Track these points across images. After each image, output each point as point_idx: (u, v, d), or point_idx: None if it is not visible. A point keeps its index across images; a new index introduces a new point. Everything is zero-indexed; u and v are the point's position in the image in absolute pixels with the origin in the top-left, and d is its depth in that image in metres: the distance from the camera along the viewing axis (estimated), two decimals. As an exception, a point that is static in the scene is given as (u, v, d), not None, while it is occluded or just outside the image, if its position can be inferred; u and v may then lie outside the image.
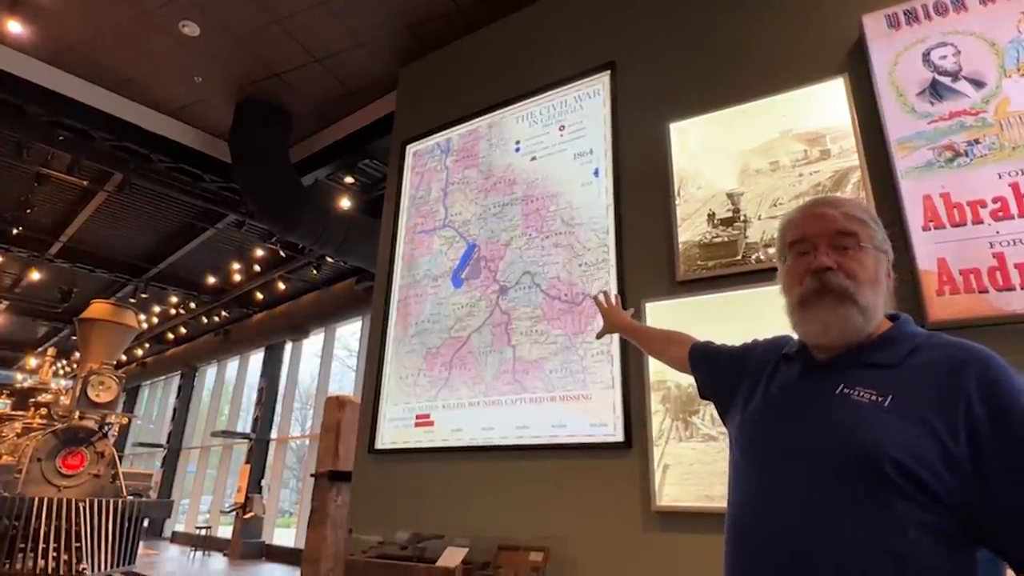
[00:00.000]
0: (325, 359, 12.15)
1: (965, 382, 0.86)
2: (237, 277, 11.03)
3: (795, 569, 0.87)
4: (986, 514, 0.81)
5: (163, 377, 18.57)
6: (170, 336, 15.47)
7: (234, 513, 11.66)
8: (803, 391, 1.02)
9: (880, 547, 0.82)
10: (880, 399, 0.90)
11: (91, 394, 6.42)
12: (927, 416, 0.86)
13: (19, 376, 19.28)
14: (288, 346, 13.38)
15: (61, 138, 6.34)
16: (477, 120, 3.99)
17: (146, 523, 6.42)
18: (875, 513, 0.83)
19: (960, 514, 0.82)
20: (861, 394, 0.93)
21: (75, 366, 14.30)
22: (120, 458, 6.54)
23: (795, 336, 1.10)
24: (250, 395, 14.13)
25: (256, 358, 14.35)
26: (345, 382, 14.68)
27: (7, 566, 5.06)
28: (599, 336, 1.85)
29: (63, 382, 16.50)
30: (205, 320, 13.64)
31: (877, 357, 0.97)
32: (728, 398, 1.21)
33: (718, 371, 1.29)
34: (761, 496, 0.97)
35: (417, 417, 3.52)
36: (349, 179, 7.40)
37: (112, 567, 5.61)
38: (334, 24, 4.83)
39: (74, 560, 5.36)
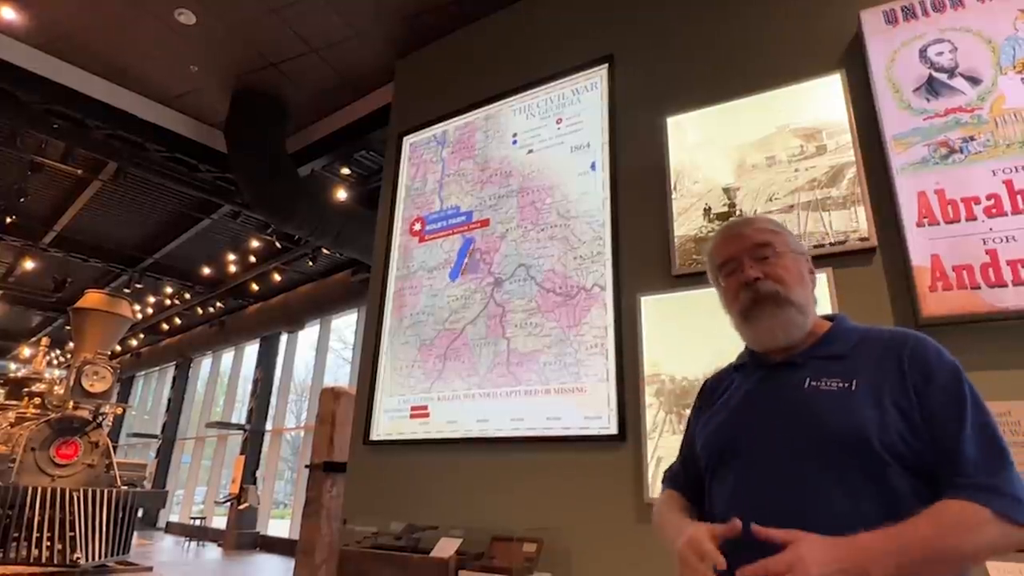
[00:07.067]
0: (320, 351, 12.16)
1: (903, 355, 0.96)
2: (232, 268, 10.99)
3: None
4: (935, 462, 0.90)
5: (158, 368, 18.56)
6: (165, 327, 15.42)
7: (229, 504, 11.67)
8: (770, 391, 1.05)
9: (885, 519, 0.85)
10: (847, 385, 0.97)
11: (85, 384, 6.39)
12: (889, 393, 0.94)
13: (13, 366, 19.22)
14: (283, 337, 13.37)
15: (55, 126, 6.28)
16: (474, 112, 3.97)
17: (140, 513, 6.42)
18: (874, 489, 0.89)
19: (930, 477, 0.90)
20: (829, 384, 0.99)
21: (69, 356, 14.24)
22: (114, 448, 6.52)
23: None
24: (245, 386, 14.14)
25: (251, 349, 14.34)
26: (340, 374, 14.70)
27: (1, 555, 5.05)
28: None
29: (57, 372, 16.43)
30: (200, 311, 13.59)
31: (831, 349, 1.04)
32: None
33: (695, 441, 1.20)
34: (752, 497, 0.97)
35: (412, 409, 3.53)
36: (345, 170, 7.37)
37: (106, 557, 5.60)
38: (331, 14, 4.80)
39: (68, 549, 5.36)
